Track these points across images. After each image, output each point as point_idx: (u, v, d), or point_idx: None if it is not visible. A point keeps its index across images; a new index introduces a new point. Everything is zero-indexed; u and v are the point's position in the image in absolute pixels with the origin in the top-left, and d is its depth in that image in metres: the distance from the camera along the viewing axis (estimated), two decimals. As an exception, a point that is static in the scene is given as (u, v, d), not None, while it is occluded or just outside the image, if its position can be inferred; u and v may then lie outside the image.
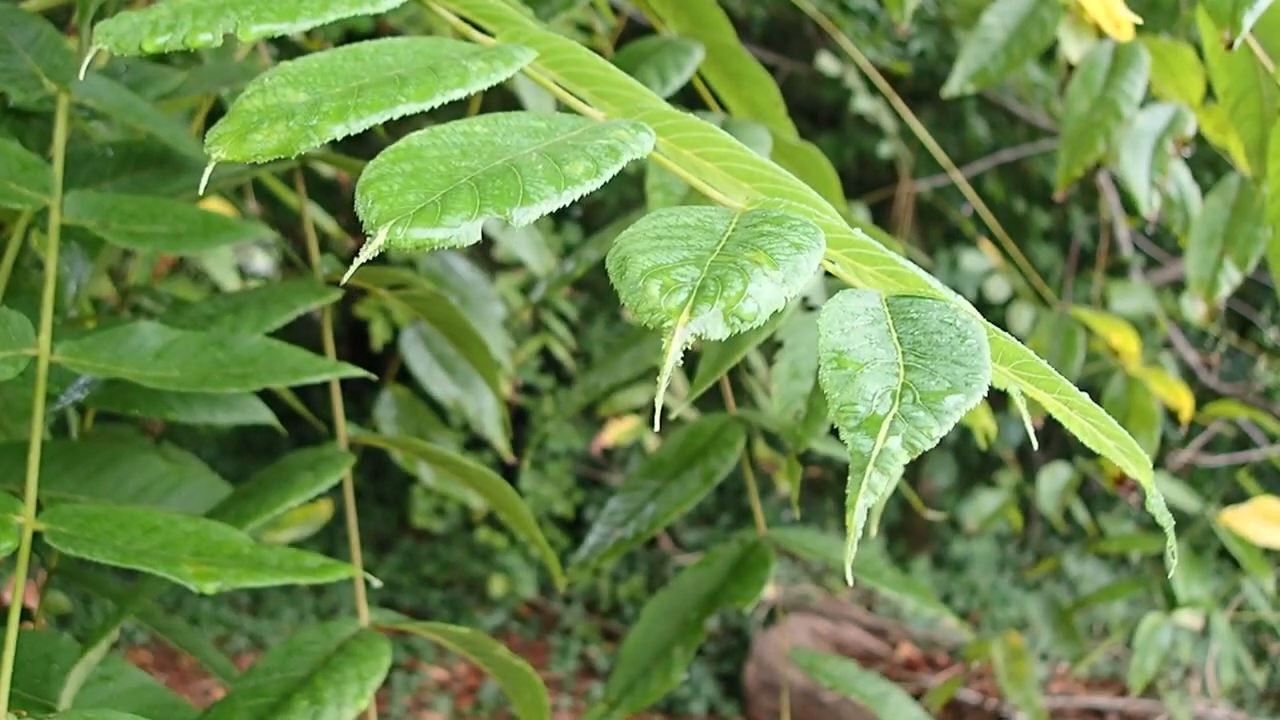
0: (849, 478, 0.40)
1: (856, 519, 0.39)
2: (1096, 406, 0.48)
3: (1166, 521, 0.48)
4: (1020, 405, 0.49)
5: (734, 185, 0.55)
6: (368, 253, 0.43)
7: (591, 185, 0.47)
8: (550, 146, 0.49)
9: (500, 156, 0.48)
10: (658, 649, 0.99)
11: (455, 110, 0.54)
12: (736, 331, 0.42)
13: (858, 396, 0.42)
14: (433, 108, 0.52)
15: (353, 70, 0.51)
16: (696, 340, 0.42)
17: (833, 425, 0.88)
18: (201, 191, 0.50)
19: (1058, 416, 0.49)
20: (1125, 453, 0.48)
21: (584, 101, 0.58)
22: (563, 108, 0.59)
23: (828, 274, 0.54)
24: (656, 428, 0.43)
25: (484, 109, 1.35)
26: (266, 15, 0.51)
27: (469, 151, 0.48)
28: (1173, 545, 0.49)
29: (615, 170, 0.48)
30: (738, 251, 0.45)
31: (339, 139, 0.48)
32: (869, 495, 0.39)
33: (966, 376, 0.43)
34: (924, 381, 0.42)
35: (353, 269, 0.44)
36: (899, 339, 0.45)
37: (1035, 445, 0.52)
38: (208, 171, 0.48)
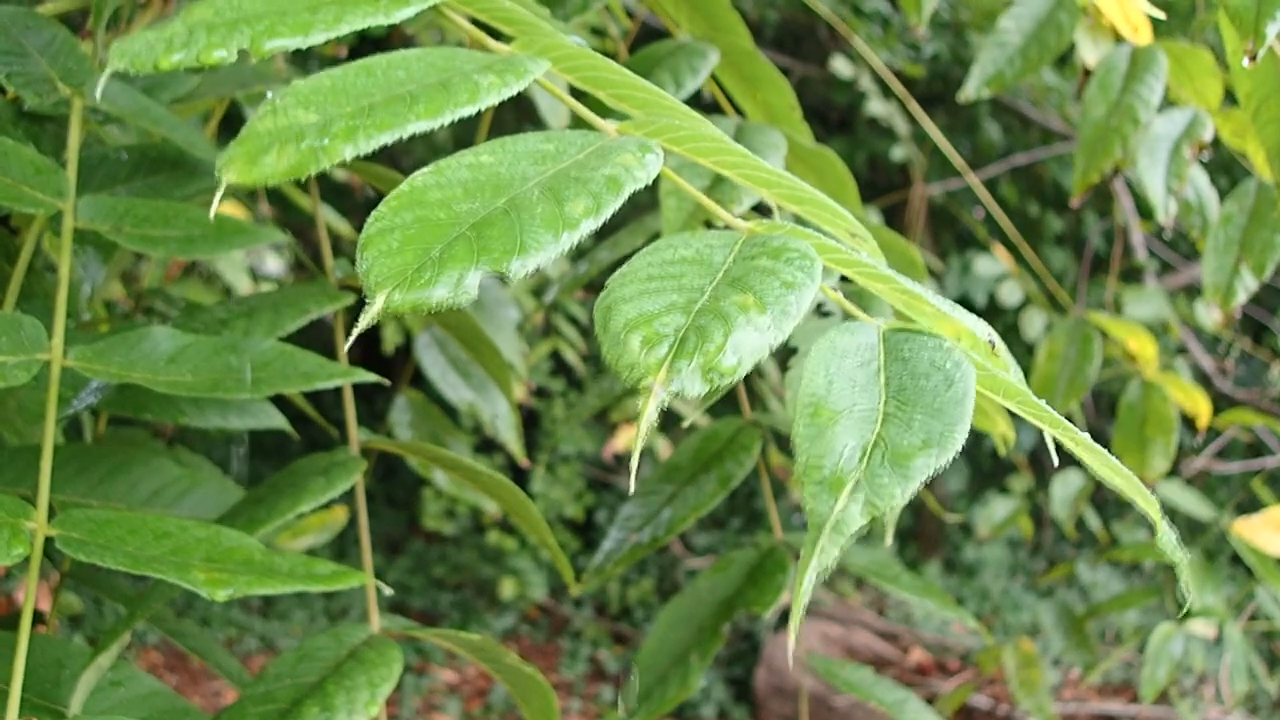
0: (805, 538, 0.39)
1: (805, 587, 0.38)
2: (1097, 446, 0.48)
3: (1179, 559, 0.48)
4: (1046, 432, 0.48)
5: (751, 190, 0.55)
6: (366, 321, 0.43)
7: (591, 226, 0.46)
8: (554, 177, 0.48)
9: (503, 194, 0.47)
10: (675, 656, 0.98)
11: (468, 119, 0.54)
12: (715, 386, 0.41)
13: (825, 453, 0.41)
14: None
15: (364, 88, 0.50)
16: (675, 396, 0.41)
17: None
18: (214, 210, 0.50)
19: (1067, 447, 0.49)
20: (1135, 492, 0.47)
21: (602, 104, 0.58)
22: (575, 117, 0.59)
23: (843, 278, 0.54)
24: (632, 483, 0.42)
25: (497, 110, 1.35)
26: (280, 30, 0.51)
27: (472, 189, 0.47)
28: (1186, 580, 0.48)
29: (617, 205, 0.47)
30: (726, 293, 0.44)
31: (348, 160, 0.48)
32: (817, 565, 0.38)
33: (942, 432, 0.42)
34: (899, 435, 0.41)
35: (352, 337, 0.44)
36: (886, 380, 0.44)
37: (1055, 460, 0.51)
38: (219, 193, 0.48)
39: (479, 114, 0.52)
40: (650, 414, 0.40)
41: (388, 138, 0.49)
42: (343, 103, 0.50)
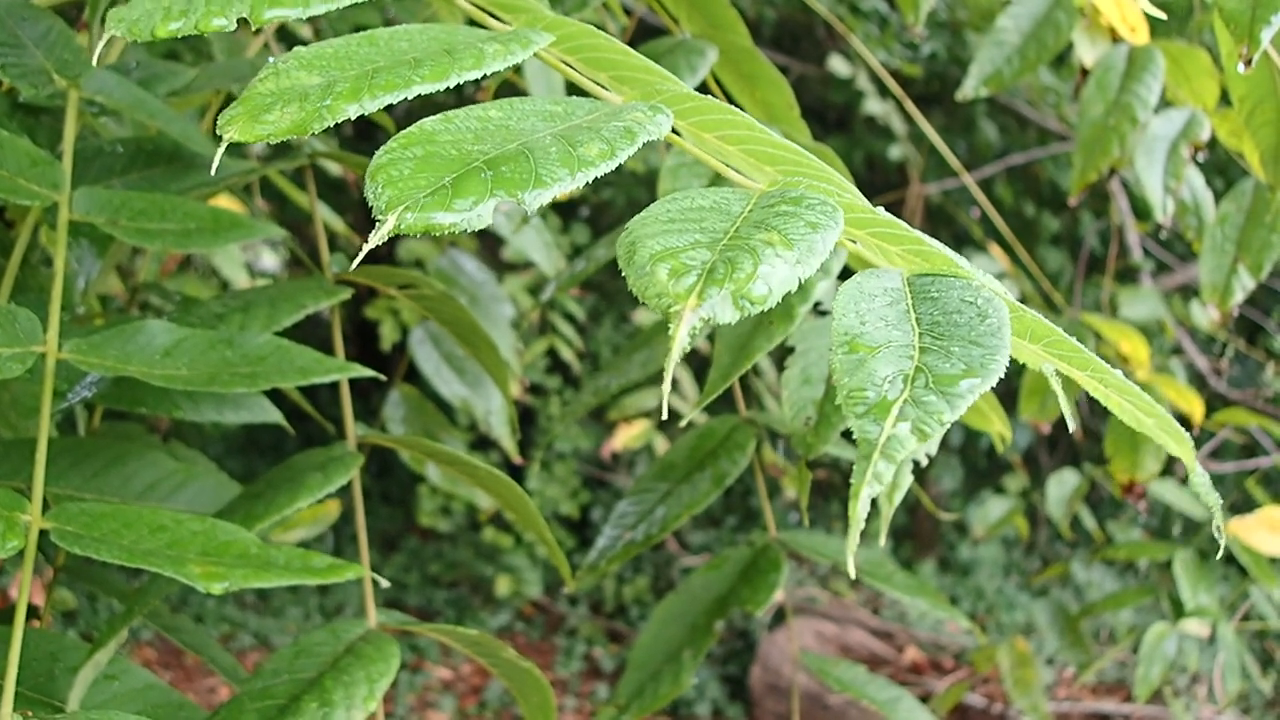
0: (855, 465, 0.39)
1: (860, 508, 0.38)
2: (1130, 383, 0.47)
3: (1213, 499, 0.47)
4: (1055, 385, 0.48)
5: (756, 169, 0.54)
6: (377, 237, 0.42)
7: (606, 167, 0.46)
8: (565, 130, 0.48)
9: (514, 140, 0.47)
10: (667, 653, 0.98)
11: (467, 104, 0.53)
12: (746, 314, 0.41)
13: (867, 381, 0.40)
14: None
15: (367, 54, 0.50)
16: (706, 324, 0.41)
17: (844, 431, 0.88)
18: (214, 172, 0.50)
19: (1094, 394, 0.48)
20: (1166, 431, 0.47)
21: (602, 87, 0.58)
22: (577, 94, 0.59)
23: (841, 275, 0.53)
24: (664, 415, 0.42)
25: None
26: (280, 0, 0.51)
27: (482, 135, 0.47)
28: (1220, 521, 0.48)
29: (631, 152, 0.47)
30: (751, 233, 0.44)
31: (351, 120, 0.48)
32: (874, 484, 0.38)
33: (983, 358, 0.41)
34: (938, 364, 0.41)
35: (363, 253, 0.43)
36: (917, 319, 0.44)
37: (1072, 426, 0.50)
38: (220, 151, 0.47)
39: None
40: (681, 339, 0.40)
41: (392, 98, 0.48)
42: (346, 67, 0.49)
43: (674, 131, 0.53)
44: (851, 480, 0.39)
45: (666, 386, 0.40)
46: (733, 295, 0.41)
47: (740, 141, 0.54)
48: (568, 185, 0.44)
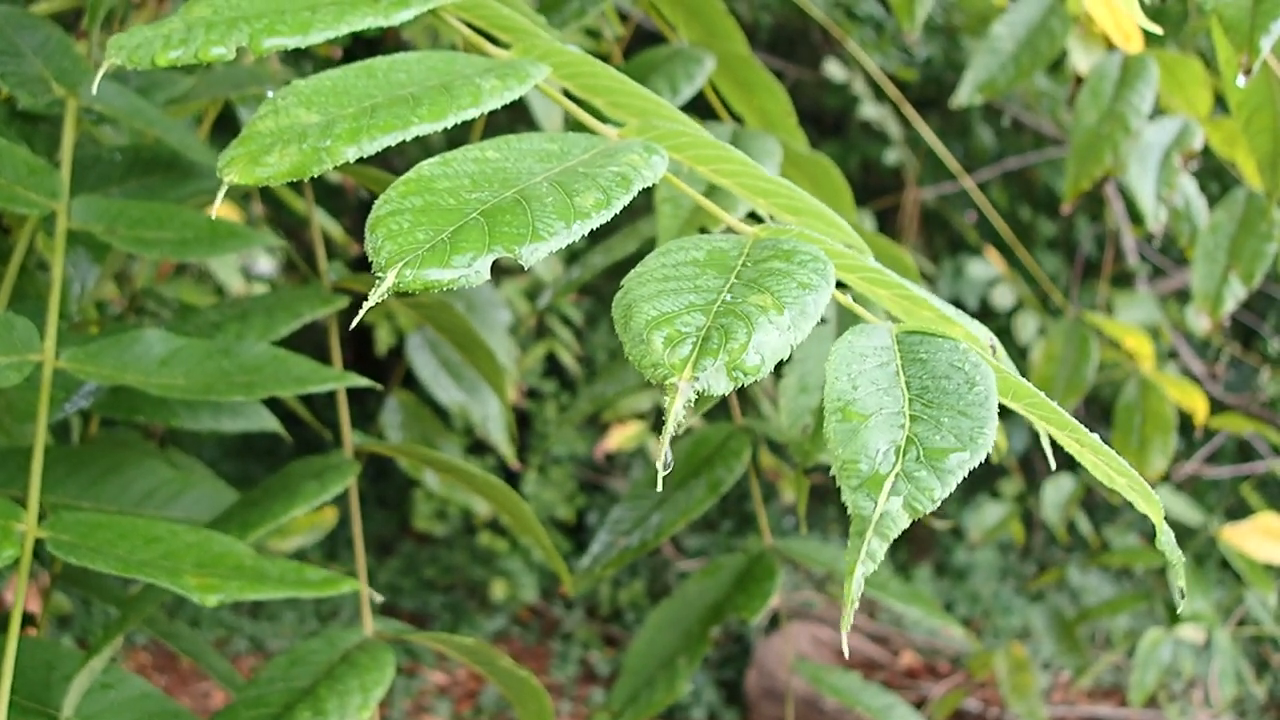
0: (849, 541, 0.39)
1: (855, 588, 0.38)
2: (1105, 446, 0.48)
3: (1178, 561, 0.48)
4: (1043, 437, 0.48)
5: (748, 200, 0.55)
6: (376, 296, 0.42)
7: (602, 218, 0.46)
8: (562, 173, 0.48)
9: (511, 186, 0.47)
10: (662, 659, 0.98)
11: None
12: (739, 384, 0.42)
13: (861, 453, 0.41)
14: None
15: (365, 89, 0.50)
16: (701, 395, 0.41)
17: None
18: (215, 209, 0.50)
19: (1070, 450, 0.49)
20: (1137, 491, 0.48)
21: (599, 112, 0.58)
22: (571, 120, 0.59)
23: (839, 285, 0.54)
24: (659, 480, 0.42)
25: (491, 113, 1.35)
26: (279, 29, 0.51)
27: (480, 181, 0.47)
28: (1181, 583, 0.48)
29: (627, 200, 0.47)
30: (744, 295, 0.45)
31: (351, 161, 0.48)
32: (868, 563, 0.39)
33: (972, 430, 0.42)
34: (929, 435, 0.42)
35: (361, 313, 0.43)
36: (907, 383, 0.44)
37: (1052, 465, 0.51)
38: (221, 193, 0.48)
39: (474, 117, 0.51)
40: (677, 411, 0.41)
41: (391, 139, 0.48)
42: (345, 103, 0.49)
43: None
44: (845, 557, 0.39)
45: (661, 460, 0.41)
46: (727, 367, 0.42)
47: (733, 175, 0.54)
48: (564, 239, 0.44)
